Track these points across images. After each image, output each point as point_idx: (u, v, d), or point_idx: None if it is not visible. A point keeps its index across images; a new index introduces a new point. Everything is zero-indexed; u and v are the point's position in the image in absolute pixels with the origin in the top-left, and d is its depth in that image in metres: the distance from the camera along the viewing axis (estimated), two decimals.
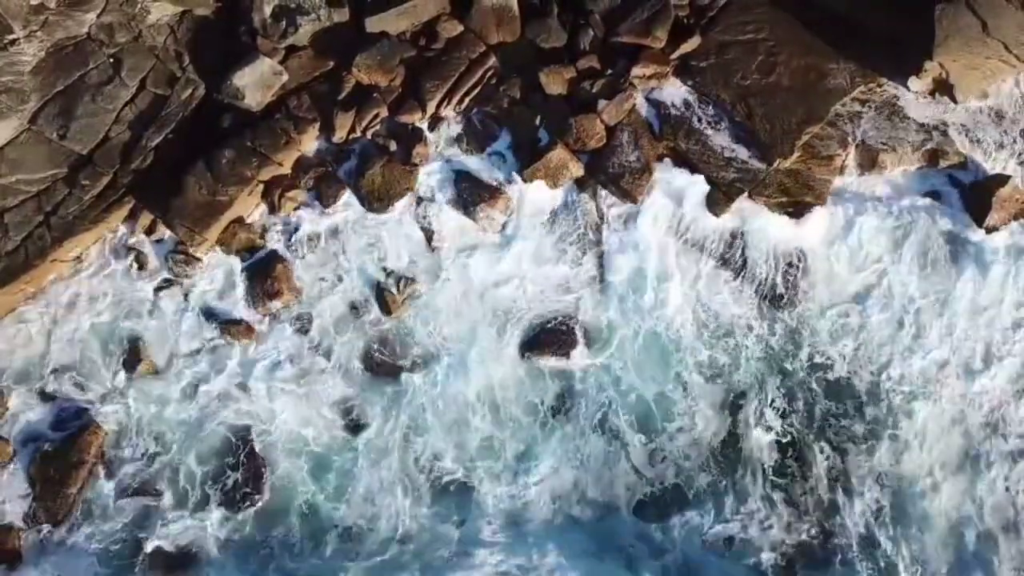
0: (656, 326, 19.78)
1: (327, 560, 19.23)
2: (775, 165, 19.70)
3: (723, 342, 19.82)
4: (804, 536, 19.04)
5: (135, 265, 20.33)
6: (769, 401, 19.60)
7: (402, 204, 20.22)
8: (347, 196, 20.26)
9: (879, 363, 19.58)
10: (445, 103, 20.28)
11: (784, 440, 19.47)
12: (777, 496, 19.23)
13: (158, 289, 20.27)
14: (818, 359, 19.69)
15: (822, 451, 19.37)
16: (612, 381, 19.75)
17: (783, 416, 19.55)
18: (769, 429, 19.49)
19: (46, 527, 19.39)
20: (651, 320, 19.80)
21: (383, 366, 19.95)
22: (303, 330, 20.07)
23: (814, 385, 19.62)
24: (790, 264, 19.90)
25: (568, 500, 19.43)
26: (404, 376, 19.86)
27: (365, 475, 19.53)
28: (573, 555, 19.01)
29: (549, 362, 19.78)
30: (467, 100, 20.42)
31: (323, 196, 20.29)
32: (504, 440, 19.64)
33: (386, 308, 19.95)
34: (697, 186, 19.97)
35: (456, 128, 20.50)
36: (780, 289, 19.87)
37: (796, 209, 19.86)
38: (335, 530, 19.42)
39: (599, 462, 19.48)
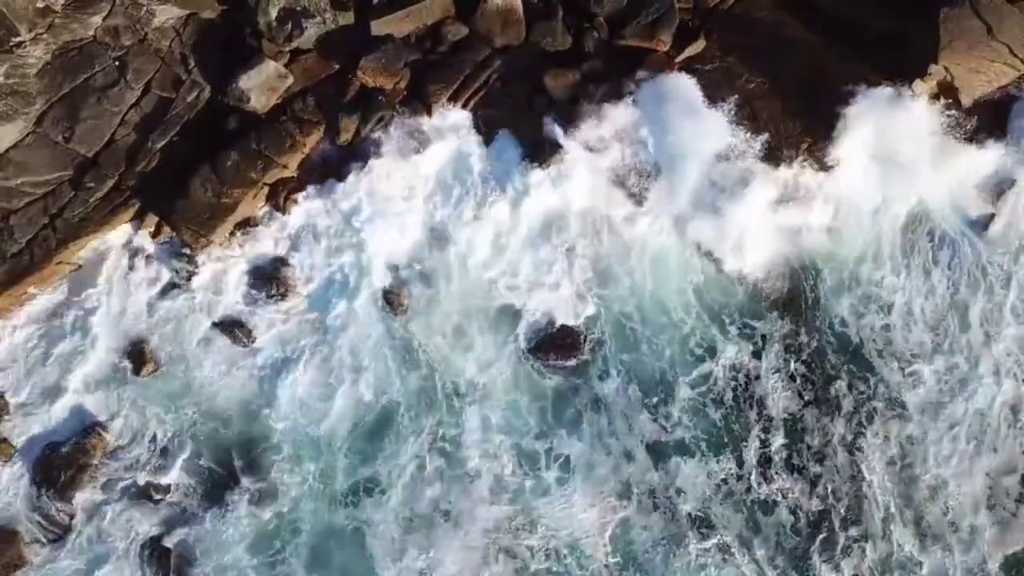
0: None
1: None
2: (780, 168, 19.75)
3: None
4: None
5: (139, 267, 20.29)
6: None
7: (406, 204, 20.23)
8: (352, 198, 20.27)
9: None
10: (450, 105, 20.31)
11: None
12: None
13: (163, 291, 20.24)
14: None
15: None
16: None
17: None
18: None
19: (49, 531, 19.42)
20: None
21: None
22: (308, 329, 20.09)
23: None
24: None
25: None
26: None
27: None
28: None
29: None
30: (472, 102, 20.46)
31: (328, 198, 20.30)
32: None
33: (392, 308, 19.99)
34: None
35: (461, 130, 20.48)
36: None
37: None
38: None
39: None
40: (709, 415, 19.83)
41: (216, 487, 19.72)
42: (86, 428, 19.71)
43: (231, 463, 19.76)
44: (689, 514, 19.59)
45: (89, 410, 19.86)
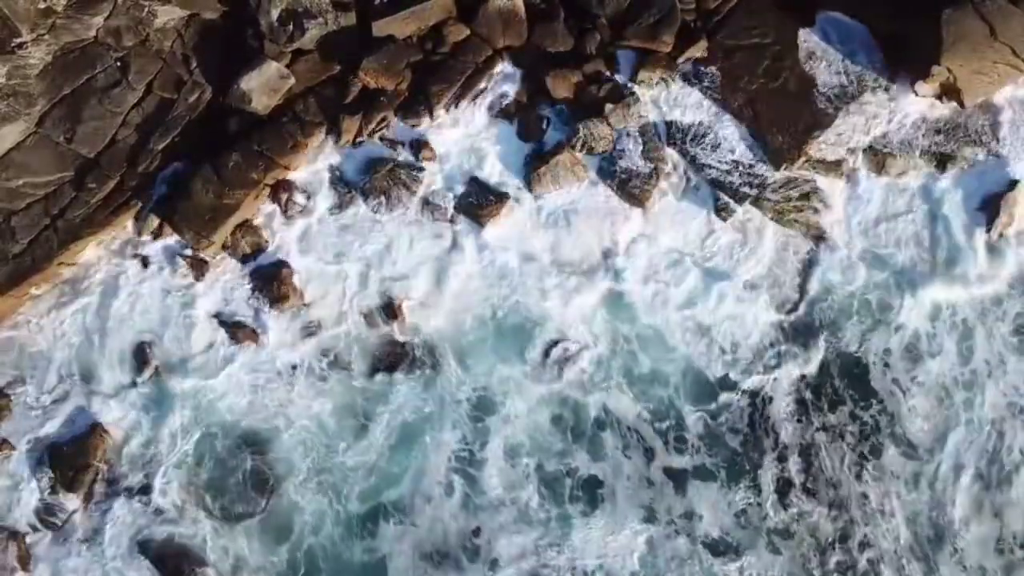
0: None
1: None
2: (782, 170, 19.73)
3: None
4: None
5: (141, 268, 20.28)
6: None
7: (408, 207, 20.21)
8: (354, 199, 20.26)
9: None
10: (452, 107, 20.29)
11: None
12: None
13: (164, 292, 20.21)
14: None
15: None
16: None
17: None
18: None
19: (52, 530, 19.46)
20: None
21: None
22: (309, 334, 20.04)
23: None
24: None
25: None
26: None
27: None
28: None
29: None
30: (473, 104, 20.42)
31: (330, 199, 20.30)
32: None
33: (392, 313, 19.97)
34: None
35: (462, 132, 20.46)
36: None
37: None
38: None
39: None
40: (726, 441, 19.72)
41: (221, 499, 19.74)
42: (88, 429, 19.70)
43: (236, 474, 19.77)
44: (712, 536, 19.48)
45: (91, 411, 19.85)
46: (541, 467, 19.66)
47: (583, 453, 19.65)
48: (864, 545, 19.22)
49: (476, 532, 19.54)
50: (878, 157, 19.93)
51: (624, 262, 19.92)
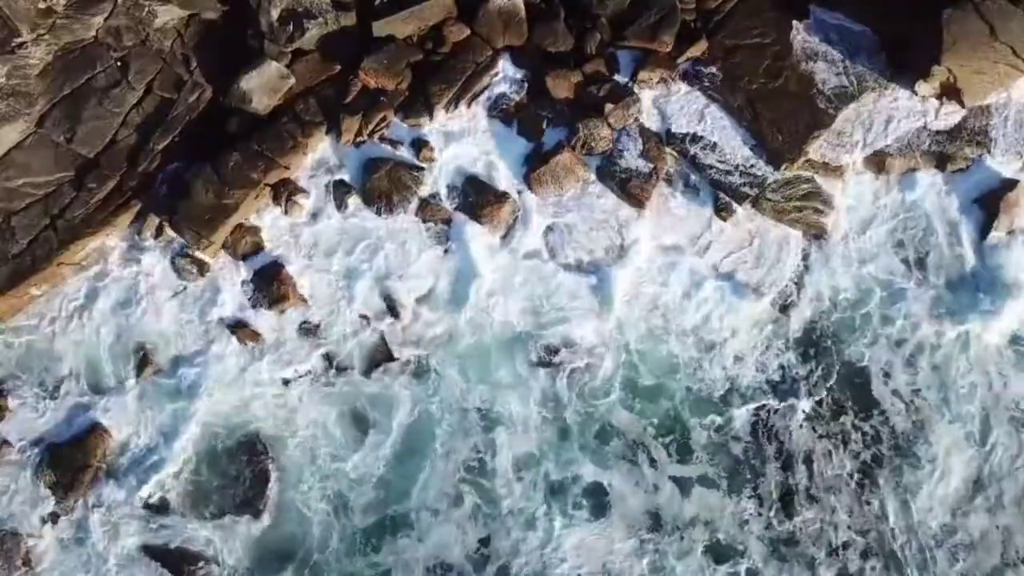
0: None
1: None
2: (783, 170, 19.71)
3: None
4: None
5: (141, 268, 20.25)
6: None
7: (408, 207, 20.20)
8: (354, 199, 20.24)
9: None
10: (452, 106, 20.30)
11: None
12: None
13: (164, 292, 20.16)
14: None
15: None
16: None
17: None
18: None
19: (52, 530, 19.44)
20: None
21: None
22: (309, 334, 20.02)
23: None
24: None
25: None
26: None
27: None
28: None
29: None
30: (473, 104, 20.43)
31: (330, 199, 20.28)
32: None
33: (394, 311, 19.95)
34: None
35: (462, 132, 20.46)
36: None
37: None
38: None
39: None
40: (730, 449, 19.63)
41: (222, 501, 19.69)
42: (87, 429, 19.68)
43: (237, 477, 19.73)
44: (716, 543, 19.40)
45: (91, 411, 19.83)
46: (547, 475, 19.59)
47: (588, 461, 19.60)
48: (866, 554, 19.18)
49: (485, 541, 19.45)
50: (878, 157, 19.93)
51: (624, 263, 19.86)
